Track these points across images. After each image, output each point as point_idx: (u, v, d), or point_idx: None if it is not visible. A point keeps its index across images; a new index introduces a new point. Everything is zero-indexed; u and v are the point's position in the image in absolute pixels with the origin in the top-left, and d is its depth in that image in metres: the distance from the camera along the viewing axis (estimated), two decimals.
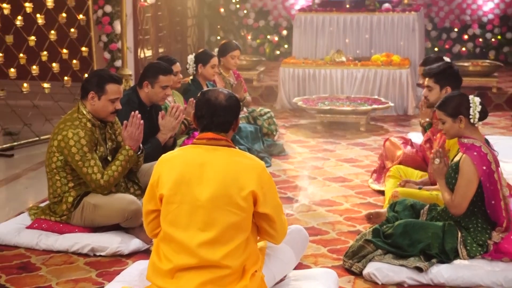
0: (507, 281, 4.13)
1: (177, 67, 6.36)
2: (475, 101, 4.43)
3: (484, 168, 4.29)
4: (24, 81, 8.21)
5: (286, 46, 11.84)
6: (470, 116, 4.41)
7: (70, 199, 4.86)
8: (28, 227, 4.98)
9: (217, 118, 3.79)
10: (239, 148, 3.99)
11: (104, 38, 9.30)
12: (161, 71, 5.87)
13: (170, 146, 5.60)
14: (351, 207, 5.60)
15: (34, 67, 8.16)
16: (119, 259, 4.65)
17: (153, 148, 5.38)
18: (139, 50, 10.13)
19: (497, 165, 4.40)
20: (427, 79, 5.48)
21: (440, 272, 4.23)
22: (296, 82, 9.22)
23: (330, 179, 6.36)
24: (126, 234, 4.85)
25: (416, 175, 5.47)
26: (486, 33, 11.81)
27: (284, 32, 12.13)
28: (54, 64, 8.40)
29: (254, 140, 6.79)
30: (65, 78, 8.44)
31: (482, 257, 4.34)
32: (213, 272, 3.67)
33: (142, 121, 4.95)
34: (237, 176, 3.66)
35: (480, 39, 11.81)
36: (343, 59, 9.29)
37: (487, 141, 4.54)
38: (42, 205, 5.13)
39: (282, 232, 3.85)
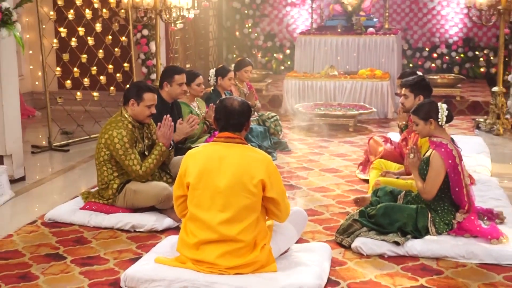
0: (468, 253, 4.19)
1: (200, 79, 6.41)
2: (442, 107, 4.49)
3: (450, 161, 4.35)
4: (78, 91, 8.25)
5: (289, 62, 11.81)
6: (439, 120, 4.48)
7: (115, 186, 4.95)
8: (81, 208, 5.05)
9: (232, 120, 3.85)
10: (251, 145, 4.04)
11: (142, 56, 9.36)
12: (176, 71, 5.96)
13: (182, 142, 5.66)
14: (342, 193, 5.65)
15: (85, 79, 8.19)
16: (154, 234, 4.70)
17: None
18: None
19: (460, 159, 4.45)
20: (404, 89, 5.51)
21: (413, 245, 4.29)
22: (297, 92, 9.23)
23: (325, 170, 6.41)
24: (160, 214, 4.90)
25: (395, 167, 5.52)
26: (452, 52, 11.77)
27: (288, 51, 12.08)
28: (101, 77, 8.42)
29: (263, 139, 6.82)
30: (111, 88, 8.47)
31: (447, 233, 4.41)
32: (230, 245, 3.75)
33: (172, 123, 4.98)
34: (249, 167, 3.74)
35: (447, 57, 11.76)
36: (335, 73, 9.30)
37: (452, 140, 4.60)
38: (92, 190, 5.18)
39: (286, 213, 3.93)
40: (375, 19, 10.75)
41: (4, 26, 5.30)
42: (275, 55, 12.33)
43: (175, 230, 4.63)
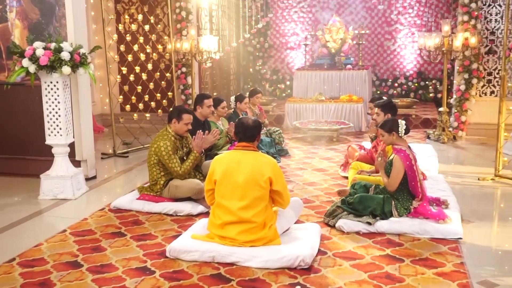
0: (421, 230, 4.22)
1: (223, 104, 6.45)
2: (401, 123, 4.51)
3: (408, 163, 4.36)
4: (134, 113, 8.27)
5: (289, 90, 11.78)
6: (399, 132, 4.48)
7: (162, 182, 4.97)
8: (137, 199, 5.06)
9: (248, 133, 3.89)
10: (261, 151, 4.03)
11: (181, 87, 9.41)
12: (205, 97, 6.01)
13: (209, 149, 5.63)
14: (328, 187, 5.64)
15: (140, 104, 8.21)
16: (190, 218, 4.71)
17: None
18: None
19: (415, 161, 4.46)
20: (376, 109, 5.51)
21: (381, 225, 4.30)
22: (295, 112, 9.22)
23: (315, 169, 6.39)
24: (194, 202, 4.89)
25: (367, 167, 5.50)
26: (408, 82, 11.73)
27: (288, 82, 12.09)
28: (152, 103, 8.44)
29: (270, 147, 6.82)
30: (159, 111, 8.48)
31: (406, 216, 4.42)
32: (246, 225, 3.80)
33: (203, 136, 4.99)
34: (260, 168, 3.79)
35: (405, 86, 11.72)
36: (323, 98, 9.29)
37: (409, 147, 4.59)
38: (145, 185, 5.18)
39: (287, 201, 3.97)
40: (351, 59, 10.74)
41: (81, 66, 5.34)
42: (278, 85, 12.35)
43: (205, 214, 4.62)
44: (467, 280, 3.38)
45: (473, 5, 7.93)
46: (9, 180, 6.03)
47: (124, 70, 8.56)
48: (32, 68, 5.15)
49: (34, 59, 5.14)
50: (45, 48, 5.15)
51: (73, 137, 5.60)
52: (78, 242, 4.15)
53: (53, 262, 3.76)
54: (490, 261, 3.74)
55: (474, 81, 8.13)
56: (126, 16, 8.90)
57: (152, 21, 8.84)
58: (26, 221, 4.72)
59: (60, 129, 5.32)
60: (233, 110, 7.00)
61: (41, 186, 5.38)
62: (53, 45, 5.18)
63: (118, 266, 3.68)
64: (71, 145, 5.61)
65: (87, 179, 5.89)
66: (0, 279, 3.51)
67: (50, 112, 5.33)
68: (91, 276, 3.52)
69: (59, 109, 5.29)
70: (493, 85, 8.37)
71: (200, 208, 4.79)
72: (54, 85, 5.26)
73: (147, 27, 8.66)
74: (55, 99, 5.28)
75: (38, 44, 5.19)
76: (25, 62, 5.16)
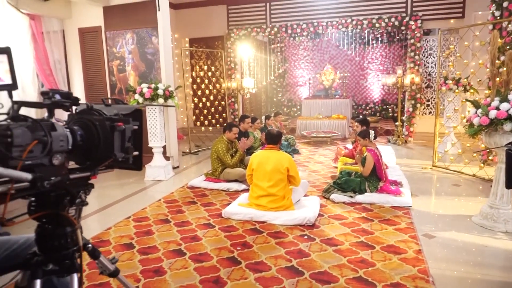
0: (385, 201, 4.07)
1: (258, 121, 6.38)
2: (372, 132, 4.37)
3: (376, 158, 4.23)
4: (202, 127, 8.33)
5: (299, 112, 11.69)
6: (370, 138, 4.32)
7: (219, 169, 4.92)
8: (204, 180, 5.01)
9: (273, 139, 3.82)
10: (281, 151, 3.96)
11: (231, 110, 9.38)
12: (245, 117, 5.94)
13: (248, 150, 5.55)
14: (325, 173, 5.51)
15: (206, 121, 8.27)
16: (237, 192, 4.64)
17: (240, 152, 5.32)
18: None
19: (381, 156, 4.32)
20: (355, 123, 5.36)
21: (359, 198, 4.17)
22: (303, 125, 9.08)
23: (316, 162, 6.26)
24: (240, 182, 4.83)
25: (350, 161, 5.34)
26: (375, 106, 11.47)
27: (298, 107, 11.97)
28: (213, 120, 8.51)
29: (287, 148, 6.74)
30: (217, 125, 8.53)
31: (375, 192, 4.25)
32: (272, 197, 3.74)
33: (246, 141, 4.94)
34: (281, 161, 3.71)
35: (373, 108, 11.48)
36: (321, 116, 9.15)
37: (377, 147, 4.43)
38: (209, 172, 5.13)
39: (298, 182, 3.87)
40: (339, 91, 10.58)
41: (170, 98, 5.38)
42: (292, 109, 12.25)
43: (246, 190, 4.57)
44: (415, 234, 3.26)
45: (416, 57, 7.82)
46: None
47: (196, 100, 8.62)
48: (140, 100, 5.21)
49: (141, 94, 5.19)
50: (148, 87, 5.20)
51: (165, 141, 5.65)
52: (168, 207, 4.15)
53: (153, 219, 3.77)
54: (430, 221, 3.59)
55: (418, 105, 7.96)
56: (197, 67, 8.96)
57: (213, 69, 8.87)
58: (137, 193, 4.76)
59: (157, 136, 5.37)
60: (263, 124, 6.93)
61: (146, 172, 5.42)
62: (153, 85, 5.23)
63: (192, 222, 3.66)
64: (164, 147, 5.66)
65: (174, 168, 5.90)
66: (120, 229, 3.53)
67: (152, 126, 5.37)
68: (176, 228, 3.51)
69: (156, 124, 5.34)
70: (430, 108, 8.25)
71: (243, 186, 4.74)
72: (154, 110, 5.31)
73: (210, 74, 8.69)
74: (154, 118, 5.33)
75: (144, 85, 5.24)
76: (136, 96, 5.22)
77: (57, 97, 0.96)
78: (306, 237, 3.23)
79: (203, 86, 8.86)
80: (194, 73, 9.06)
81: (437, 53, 5.90)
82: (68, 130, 0.95)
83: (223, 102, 8.94)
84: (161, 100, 5.20)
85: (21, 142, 0.83)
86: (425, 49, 8.11)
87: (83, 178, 1.00)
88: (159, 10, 5.58)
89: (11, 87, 0.87)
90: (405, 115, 8.11)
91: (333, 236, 3.23)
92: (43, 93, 0.97)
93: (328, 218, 3.68)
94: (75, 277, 1.01)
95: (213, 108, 8.87)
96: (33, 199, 0.98)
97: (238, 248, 3.01)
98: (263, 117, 7.03)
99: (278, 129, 6.14)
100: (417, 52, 7.81)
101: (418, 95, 7.93)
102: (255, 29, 8.89)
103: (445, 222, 3.55)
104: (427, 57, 8.14)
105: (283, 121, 9.67)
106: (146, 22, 5.83)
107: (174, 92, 5.51)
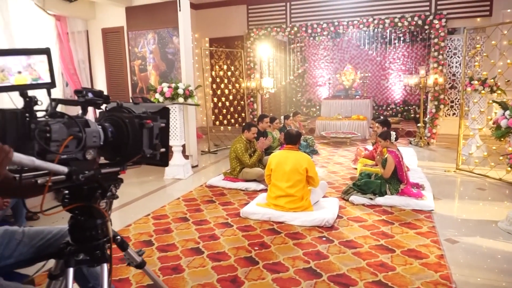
0: (406, 204, 4.00)
1: (277, 121, 6.39)
2: (393, 133, 4.31)
3: (397, 159, 4.17)
4: (221, 126, 8.40)
5: (318, 112, 11.62)
6: (391, 139, 4.27)
7: (238, 169, 4.95)
8: (223, 179, 5.04)
9: (292, 139, 3.82)
10: (300, 151, 3.96)
11: (250, 110, 9.41)
12: (264, 116, 5.92)
13: (266, 149, 5.56)
14: (344, 175, 5.47)
15: (225, 121, 8.34)
16: (255, 192, 4.66)
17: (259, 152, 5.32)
18: None
19: (402, 158, 4.26)
20: (376, 124, 5.31)
21: (379, 200, 4.12)
22: (322, 126, 9.04)
23: (335, 163, 6.22)
24: (258, 182, 4.85)
25: (370, 162, 5.29)
26: (397, 107, 11.30)
27: (317, 107, 11.91)
28: (232, 120, 8.57)
29: (306, 148, 6.73)
30: (236, 125, 8.58)
31: (396, 195, 4.18)
32: (290, 198, 3.73)
33: (265, 140, 4.96)
34: (300, 161, 3.70)
35: (394, 109, 11.31)
36: (340, 117, 9.08)
37: (398, 149, 4.37)
38: (227, 171, 5.17)
39: (317, 183, 3.85)
40: (359, 92, 10.49)
41: (190, 97, 5.45)
42: (311, 109, 12.19)
43: (264, 190, 4.57)
44: (437, 238, 3.19)
45: (440, 57, 7.68)
46: (149, 166, 6.15)
47: (215, 99, 8.71)
48: (161, 99, 5.29)
49: (162, 93, 5.29)
50: (168, 87, 5.30)
51: (184, 140, 5.72)
52: (186, 205, 4.19)
53: (172, 217, 3.82)
54: (453, 226, 3.51)
55: (442, 106, 7.81)
56: (216, 67, 9.04)
57: (232, 69, 8.93)
58: (156, 191, 4.82)
59: (177, 135, 5.44)
60: (282, 124, 6.94)
61: (165, 171, 5.50)
62: (173, 85, 5.32)
63: (210, 221, 3.69)
64: (183, 145, 5.73)
65: (193, 167, 5.97)
66: (140, 226, 3.59)
67: (172, 125, 5.45)
68: (194, 227, 3.55)
69: (176, 123, 5.41)
70: (454, 109, 8.04)
71: (261, 186, 4.75)
72: (174, 109, 5.39)
73: (229, 73, 8.75)
74: (174, 117, 5.40)
75: (164, 84, 5.34)
76: (157, 95, 5.32)
77: (90, 95, 1.02)
78: (324, 238, 3.22)
79: (222, 85, 8.95)
80: (213, 73, 9.16)
81: (463, 53, 5.79)
82: (100, 127, 1.01)
83: (242, 102, 9.00)
84: (181, 99, 5.27)
85: (58, 137, 0.89)
86: (450, 48, 7.93)
87: (113, 173, 1.06)
88: (180, 10, 5.68)
89: (50, 86, 0.93)
90: (428, 116, 7.97)
91: (352, 239, 3.20)
92: (76, 92, 1.03)
93: (347, 220, 3.65)
94: (105, 267, 1.07)
95: (232, 108, 8.95)
96: (66, 192, 1.04)
97: (256, 248, 3.02)
98: (282, 117, 7.04)
99: (297, 129, 6.15)
100: (441, 52, 7.66)
101: (442, 96, 7.78)
102: (275, 28, 8.91)
103: (468, 227, 3.47)
104: (451, 57, 7.94)
105: (302, 121, 9.65)
106: (167, 22, 5.94)
107: (194, 91, 5.58)
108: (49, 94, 0.96)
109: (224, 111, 9.05)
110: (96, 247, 1.07)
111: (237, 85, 9.01)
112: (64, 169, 0.89)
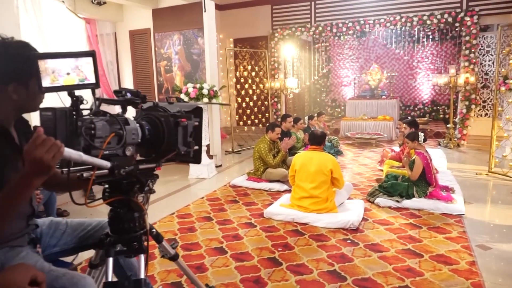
0: (435, 207, 3.93)
1: (301, 121, 6.39)
2: (420, 134, 4.25)
3: (425, 161, 4.10)
4: (245, 126, 8.46)
5: (343, 112, 11.51)
6: (419, 140, 4.21)
7: (261, 169, 4.98)
8: (246, 179, 5.09)
9: (317, 140, 3.82)
10: (325, 152, 3.97)
11: (274, 110, 9.44)
12: (288, 116, 5.91)
13: (290, 150, 5.58)
14: (370, 176, 5.42)
15: (249, 121, 8.40)
16: (279, 192, 4.68)
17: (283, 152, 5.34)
18: None
19: (431, 160, 4.19)
20: (404, 124, 5.25)
21: (406, 203, 4.05)
22: (347, 126, 8.95)
23: (361, 164, 6.16)
24: (282, 183, 4.86)
25: (397, 164, 5.22)
26: (425, 107, 11.05)
27: (342, 107, 11.79)
28: (256, 120, 8.62)
29: (331, 149, 6.69)
30: (260, 125, 8.63)
31: (424, 198, 4.11)
32: (315, 199, 3.73)
33: (288, 140, 4.97)
34: (324, 162, 3.70)
35: (422, 110, 11.06)
36: (366, 117, 8.96)
37: (427, 151, 4.30)
38: (251, 171, 5.21)
39: (342, 184, 3.83)
40: (385, 92, 10.31)
41: (215, 97, 5.54)
42: (336, 109, 12.09)
43: (288, 191, 4.59)
44: (468, 244, 3.11)
45: (471, 55, 7.47)
46: (174, 166, 6.22)
47: (239, 100, 8.79)
48: (186, 99, 5.41)
49: (187, 93, 5.40)
50: (193, 87, 5.40)
51: (208, 140, 5.80)
52: (210, 204, 4.25)
53: (196, 216, 3.88)
54: (485, 231, 3.42)
55: (473, 106, 7.59)
56: (241, 67, 9.13)
57: (256, 69, 8.99)
58: (181, 190, 4.90)
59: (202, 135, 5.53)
60: (307, 125, 6.94)
61: (189, 170, 5.57)
62: (198, 85, 5.42)
63: (234, 220, 3.73)
64: (207, 145, 5.81)
65: (217, 166, 6.03)
66: (165, 225, 3.67)
67: None
68: (218, 226, 3.59)
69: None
70: (487, 110, 7.77)
71: (285, 187, 4.76)
72: None
73: (253, 73, 8.82)
74: None
75: (189, 85, 5.45)
76: (182, 95, 5.44)
77: (128, 95, 1.09)
78: (349, 241, 3.20)
79: (246, 86, 9.02)
80: (238, 73, 9.25)
81: (496, 51, 5.61)
82: (137, 125, 1.07)
83: (266, 102, 9.04)
84: (205, 100, 5.36)
85: (102, 134, 0.97)
86: (482, 46, 7.70)
87: (149, 169, 1.12)
88: (205, 11, 5.78)
89: (94, 86, 1.01)
90: (458, 116, 7.76)
91: (377, 242, 3.17)
92: (116, 92, 1.10)
93: (373, 222, 3.62)
94: (142, 257, 1.14)
95: (256, 108, 9.01)
96: (106, 186, 1.12)
97: (279, 249, 3.03)
98: (306, 118, 7.04)
99: (321, 129, 6.13)
100: (473, 50, 7.45)
101: (473, 96, 7.56)
102: (299, 28, 8.90)
103: (502, 233, 3.37)
104: (483, 55, 7.69)
105: (327, 121, 9.59)
106: (192, 23, 6.06)
107: (219, 92, 5.67)
108: (93, 93, 1.03)
109: (248, 111, 9.12)
110: (134, 238, 1.14)
111: (261, 85, 9.06)
112: (107, 164, 0.96)
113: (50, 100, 1.12)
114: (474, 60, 7.46)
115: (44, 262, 1.22)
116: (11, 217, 0.99)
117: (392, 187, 4.21)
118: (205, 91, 5.35)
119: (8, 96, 1.16)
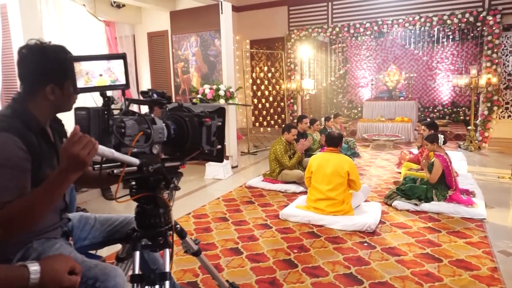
0: (455, 211, 3.86)
1: (317, 122, 6.37)
2: (440, 137, 4.21)
3: (445, 164, 4.05)
4: (261, 128, 8.49)
5: (360, 114, 11.41)
6: (439, 143, 4.17)
7: (277, 171, 4.99)
8: (262, 181, 5.10)
9: (333, 141, 3.82)
10: (341, 153, 3.96)
11: (290, 111, 9.44)
12: (304, 117, 5.87)
13: (306, 151, 5.54)
14: (387, 179, 5.37)
15: (265, 122, 8.43)
16: (295, 194, 4.68)
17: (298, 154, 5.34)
18: None
19: (450, 163, 4.12)
20: (423, 126, 5.20)
21: (425, 206, 4.01)
22: (364, 128, 8.88)
23: (378, 166, 6.12)
24: (297, 184, 4.86)
25: (415, 166, 5.16)
26: (444, 109, 10.86)
27: (359, 109, 11.70)
28: (272, 121, 8.65)
29: (347, 150, 6.66)
30: (276, 126, 8.65)
31: (444, 201, 4.05)
32: (331, 201, 3.73)
33: (304, 142, 4.97)
34: (341, 164, 3.70)
35: (442, 111, 10.88)
36: (383, 119, 8.88)
37: (446, 153, 4.24)
38: (267, 172, 5.22)
39: (359, 187, 3.82)
40: (403, 93, 10.20)
41: (231, 99, 5.59)
42: (353, 110, 12.01)
43: (304, 192, 4.57)
44: (489, 249, 3.05)
45: (494, 55, 7.33)
46: (190, 166, 6.32)
47: (255, 101, 8.84)
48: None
49: (204, 95, 5.48)
50: (210, 88, 5.48)
51: (225, 141, 5.84)
52: (226, 205, 4.28)
53: (212, 216, 3.92)
54: (508, 236, 3.35)
55: (495, 108, 7.44)
56: (257, 68, 9.18)
57: (272, 70, 9.03)
58: (197, 191, 4.95)
59: None
60: (323, 126, 6.92)
61: (206, 171, 5.61)
62: (215, 86, 5.49)
63: (249, 221, 3.76)
64: (223, 146, 5.85)
65: (232, 167, 6.06)
66: (181, 224, 3.64)
67: None
68: (234, 227, 3.62)
69: None
70: (510, 111, 7.61)
71: (301, 188, 4.76)
72: None
73: (269, 75, 8.86)
74: None
75: (206, 86, 5.53)
76: (199, 96, 5.52)
77: (155, 96, 1.15)
78: (366, 244, 3.18)
79: (262, 87, 9.07)
80: (254, 74, 9.30)
81: None
82: (164, 124, 1.13)
83: (282, 103, 9.06)
84: (222, 101, 5.43)
85: (131, 132, 1.03)
86: (505, 46, 7.53)
87: (174, 167, 1.17)
88: (222, 13, 5.86)
89: (125, 87, 1.06)
90: (479, 118, 7.61)
91: (395, 245, 3.14)
92: (142, 93, 1.16)
93: (390, 225, 3.59)
94: (167, 252, 1.19)
95: (272, 109, 9.04)
96: (133, 183, 1.18)
97: (295, 251, 3.04)
98: (323, 119, 7.03)
99: (338, 131, 6.12)
100: (495, 50, 7.31)
101: (496, 97, 7.41)
102: (316, 29, 8.90)
103: None
104: (506, 55, 7.53)
105: (343, 123, 9.55)
106: (209, 25, 6.15)
107: (235, 93, 5.72)
108: (123, 94, 1.09)
109: (264, 112, 9.16)
110: (159, 233, 1.20)
111: (277, 86, 9.09)
112: (137, 161, 1.02)
113: (83, 101, 1.19)
114: (496, 61, 7.32)
115: (77, 253, 1.29)
116: (49, 211, 1.05)
117: (410, 190, 4.16)
118: (221, 92, 5.42)
119: (46, 96, 1.23)
